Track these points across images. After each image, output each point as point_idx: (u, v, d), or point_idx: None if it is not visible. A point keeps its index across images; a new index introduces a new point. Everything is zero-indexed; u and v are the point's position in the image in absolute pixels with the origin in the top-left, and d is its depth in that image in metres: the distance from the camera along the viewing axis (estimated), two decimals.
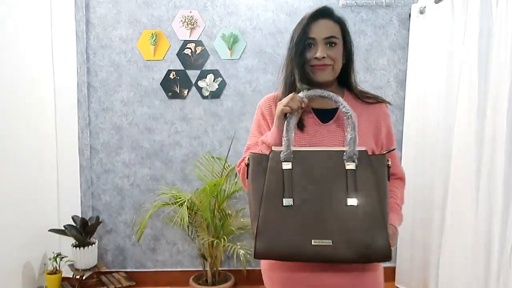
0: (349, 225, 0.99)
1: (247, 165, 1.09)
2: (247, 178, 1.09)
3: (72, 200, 2.85)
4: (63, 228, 2.60)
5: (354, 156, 1.03)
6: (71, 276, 2.66)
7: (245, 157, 1.14)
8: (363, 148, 1.06)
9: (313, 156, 1.05)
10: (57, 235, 2.69)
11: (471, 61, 2.14)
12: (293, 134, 1.08)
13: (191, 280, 2.76)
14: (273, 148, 1.08)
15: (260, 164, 1.07)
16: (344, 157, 1.04)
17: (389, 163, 1.06)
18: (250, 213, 1.09)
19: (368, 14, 2.88)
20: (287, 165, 1.04)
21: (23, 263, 2.50)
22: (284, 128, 1.07)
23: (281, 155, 1.05)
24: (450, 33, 2.39)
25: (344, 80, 1.23)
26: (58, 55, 2.79)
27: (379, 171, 1.04)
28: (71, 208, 2.82)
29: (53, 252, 2.68)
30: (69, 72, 2.81)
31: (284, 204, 1.02)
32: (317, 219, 1.00)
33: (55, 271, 2.63)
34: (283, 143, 1.06)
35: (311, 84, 1.17)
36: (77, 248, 2.57)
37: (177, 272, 2.97)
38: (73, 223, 2.64)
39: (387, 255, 1.00)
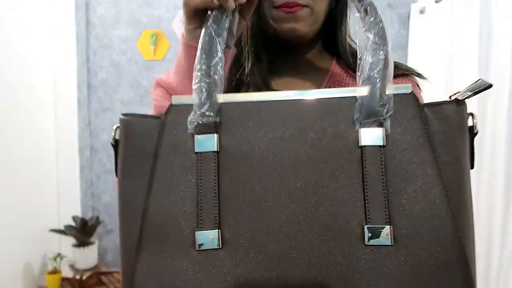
0: None
1: (114, 146, 0.48)
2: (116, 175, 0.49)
3: (72, 200, 2.85)
4: (63, 228, 2.60)
5: (382, 110, 0.43)
6: (71, 276, 2.66)
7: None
8: (406, 89, 0.44)
9: (275, 116, 0.44)
10: (57, 235, 2.69)
11: (471, 61, 2.14)
12: (222, 63, 0.46)
13: None
14: (173, 99, 0.46)
15: (141, 142, 0.46)
16: (356, 116, 0.43)
17: (475, 122, 0.47)
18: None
19: None
20: (206, 142, 0.44)
21: (23, 263, 2.50)
22: (199, 45, 0.47)
23: (191, 116, 0.45)
24: (450, 33, 2.39)
25: (333, 40, 0.68)
26: (58, 55, 2.79)
27: (451, 143, 0.45)
28: (71, 208, 2.82)
29: (53, 252, 2.69)
30: (69, 72, 2.81)
31: (198, 248, 0.43)
32: (287, 281, 0.42)
33: (55, 271, 2.63)
34: (194, 84, 0.45)
35: (276, 42, 0.66)
36: (77, 248, 2.57)
37: None
38: (73, 223, 2.65)
39: None
